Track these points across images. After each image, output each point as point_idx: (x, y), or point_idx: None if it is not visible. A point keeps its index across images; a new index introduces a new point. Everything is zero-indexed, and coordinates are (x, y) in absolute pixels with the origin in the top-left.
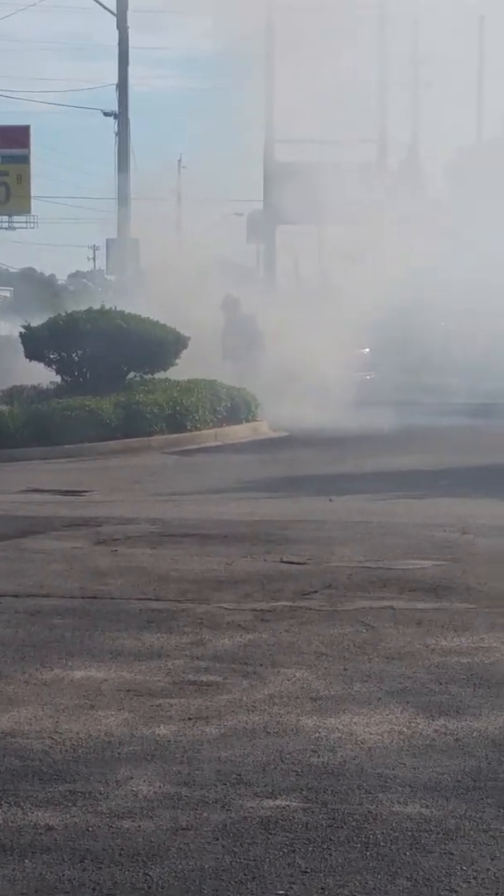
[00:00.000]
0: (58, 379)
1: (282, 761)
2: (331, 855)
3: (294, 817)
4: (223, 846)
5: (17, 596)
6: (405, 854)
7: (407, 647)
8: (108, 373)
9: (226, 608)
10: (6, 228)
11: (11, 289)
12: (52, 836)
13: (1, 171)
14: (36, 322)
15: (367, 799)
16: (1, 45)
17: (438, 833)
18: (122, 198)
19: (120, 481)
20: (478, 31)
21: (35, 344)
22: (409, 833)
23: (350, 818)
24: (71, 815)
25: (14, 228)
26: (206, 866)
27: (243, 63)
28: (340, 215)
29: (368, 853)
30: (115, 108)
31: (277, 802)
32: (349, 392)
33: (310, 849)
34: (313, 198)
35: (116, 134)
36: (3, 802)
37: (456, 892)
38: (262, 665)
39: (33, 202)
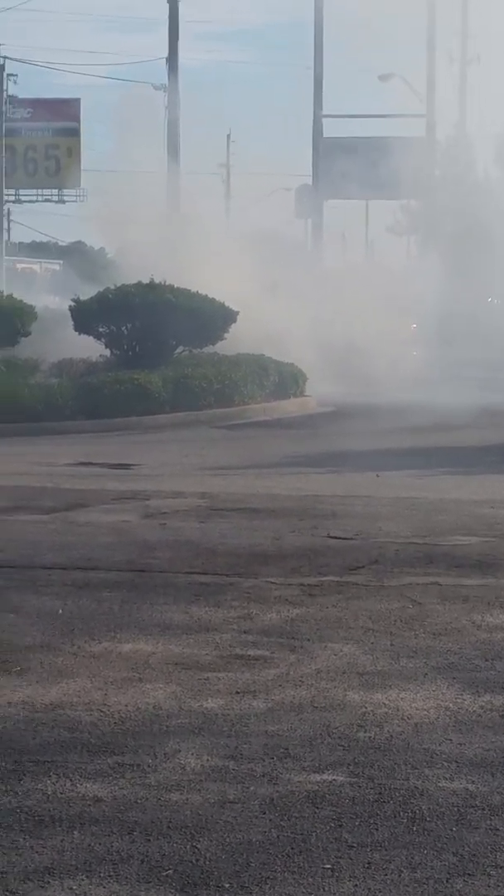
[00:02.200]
0: (107, 352)
1: (328, 736)
2: (377, 830)
3: (341, 792)
4: (270, 820)
5: (65, 569)
6: (451, 829)
7: (453, 623)
8: (156, 346)
9: (273, 582)
10: (56, 202)
11: (61, 262)
12: (100, 807)
13: (51, 144)
14: (85, 296)
15: (413, 774)
16: (49, 17)
17: (484, 809)
18: (172, 171)
19: (168, 455)
20: None
21: (84, 317)
22: (455, 808)
23: (396, 793)
24: (119, 788)
25: (64, 202)
26: (254, 840)
27: (292, 37)
28: (389, 190)
29: (414, 828)
30: (164, 81)
31: (324, 777)
32: (397, 367)
33: (356, 823)
34: (362, 172)
35: (166, 108)
36: (52, 774)
37: (501, 867)
38: (308, 640)
39: (83, 175)
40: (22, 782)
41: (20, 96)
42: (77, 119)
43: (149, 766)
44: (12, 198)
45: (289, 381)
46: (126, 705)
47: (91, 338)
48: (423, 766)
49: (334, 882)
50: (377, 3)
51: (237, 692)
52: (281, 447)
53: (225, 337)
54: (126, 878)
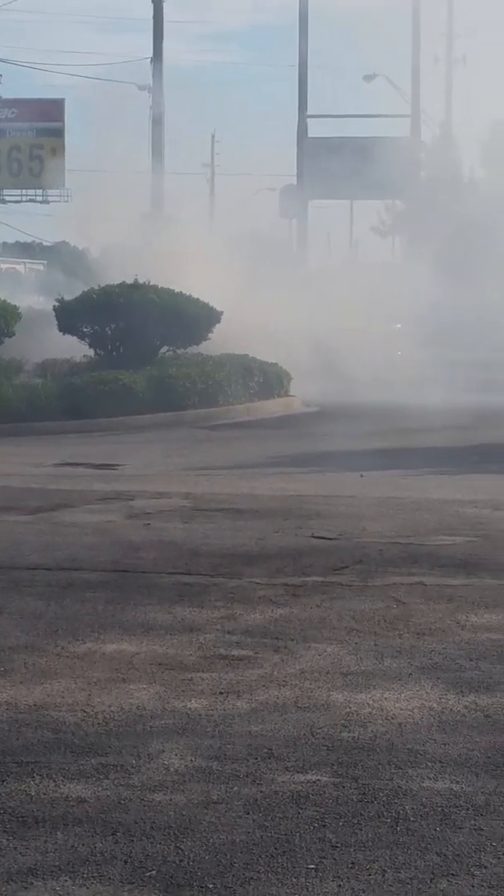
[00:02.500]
0: (91, 352)
1: (312, 736)
2: (361, 830)
3: (324, 792)
4: (254, 820)
5: (49, 569)
6: (435, 829)
7: (437, 623)
8: (140, 347)
9: (257, 583)
10: (40, 202)
11: (45, 262)
12: (83, 808)
13: (35, 144)
14: (69, 296)
15: (397, 774)
16: (34, 18)
17: (468, 809)
18: (157, 171)
19: (152, 455)
20: None
21: (68, 317)
22: (439, 809)
23: (380, 793)
24: (103, 788)
25: (48, 202)
26: (237, 840)
27: (278, 38)
28: (374, 190)
29: (398, 828)
30: (149, 82)
31: (308, 777)
32: (381, 367)
33: (340, 823)
34: (347, 172)
35: (150, 108)
36: (35, 774)
37: (485, 867)
38: (292, 640)
39: (67, 175)
40: (5, 783)
41: (4, 96)
42: (61, 119)
43: (132, 767)
44: None
45: (273, 381)
46: (110, 706)
47: (75, 338)
48: (407, 767)
49: (318, 882)
50: (362, 3)
51: (221, 692)
52: (265, 447)
53: (209, 337)
54: (109, 878)
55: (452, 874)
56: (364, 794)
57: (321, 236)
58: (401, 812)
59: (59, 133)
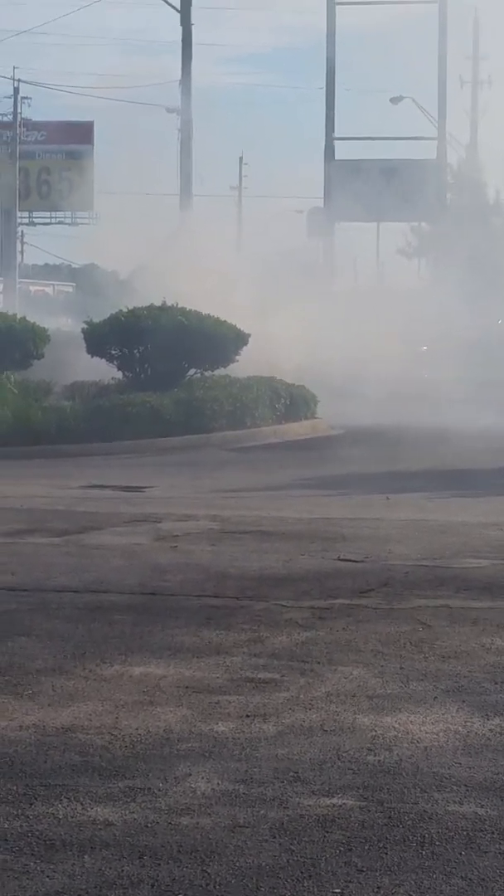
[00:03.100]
0: (119, 375)
1: (338, 759)
2: (386, 854)
3: (350, 816)
4: (280, 844)
5: (77, 591)
6: (460, 854)
7: (463, 647)
8: (168, 369)
9: (284, 605)
10: (69, 224)
11: (73, 284)
12: (111, 831)
13: (64, 166)
14: (98, 318)
15: (422, 798)
16: (65, 41)
17: (494, 833)
18: (185, 193)
19: (180, 477)
20: None
21: (97, 340)
22: (465, 832)
23: (406, 817)
24: (130, 811)
25: (77, 224)
26: (264, 864)
27: (305, 60)
28: (400, 213)
29: (424, 852)
30: (178, 104)
31: (334, 801)
32: (408, 390)
33: (366, 847)
34: (373, 195)
35: (179, 130)
36: (63, 798)
37: None
38: (319, 663)
39: (96, 197)
40: (33, 806)
41: (34, 119)
42: (90, 141)
43: (159, 790)
44: (26, 220)
45: (300, 403)
46: (137, 729)
47: (103, 360)
48: (433, 790)
49: None
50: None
51: (247, 715)
52: (292, 470)
53: (236, 359)
54: None
55: None
56: (390, 817)
57: (348, 258)
58: (426, 836)
59: (88, 155)
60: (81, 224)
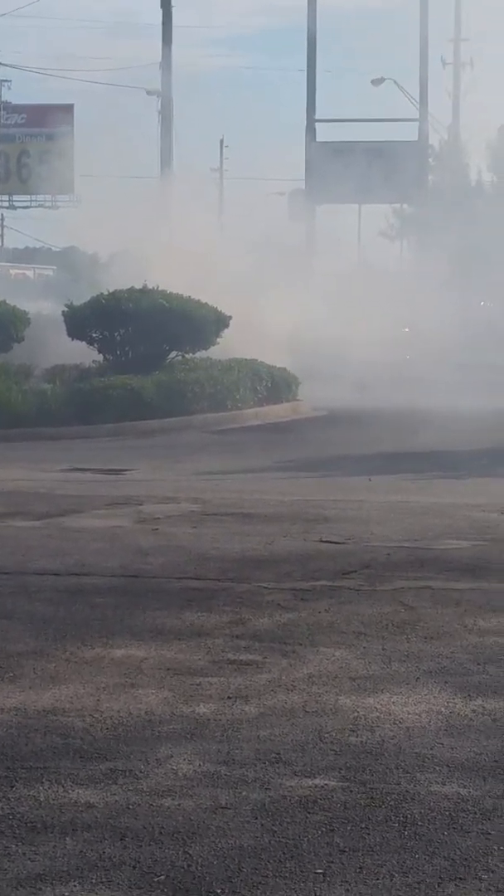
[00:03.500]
0: (100, 358)
1: (320, 740)
2: (369, 834)
3: (332, 796)
4: (262, 825)
5: (58, 574)
6: (443, 834)
7: (445, 628)
8: (149, 352)
9: (265, 587)
10: (49, 207)
11: (54, 268)
12: (92, 813)
13: (44, 150)
14: (78, 301)
15: (405, 779)
16: (42, 23)
17: (476, 813)
18: (165, 176)
19: (161, 460)
20: None
21: (77, 323)
22: (447, 813)
23: (388, 798)
24: (111, 794)
25: (57, 207)
26: (245, 845)
27: (286, 42)
28: (382, 194)
29: (406, 833)
30: (158, 86)
31: (316, 781)
32: (389, 371)
33: (348, 828)
34: (355, 177)
35: (159, 112)
36: (44, 780)
37: (493, 871)
38: (301, 644)
39: (76, 180)
40: (14, 789)
41: (13, 102)
42: (70, 124)
43: (141, 772)
44: (6, 203)
45: (281, 385)
46: (118, 711)
47: (84, 343)
48: (415, 771)
49: (326, 887)
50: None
51: (229, 697)
52: (273, 452)
53: (218, 342)
54: (118, 884)
55: (460, 878)
56: (372, 798)
57: (329, 240)
58: (409, 816)
59: (68, 138)
60: (62, 207)
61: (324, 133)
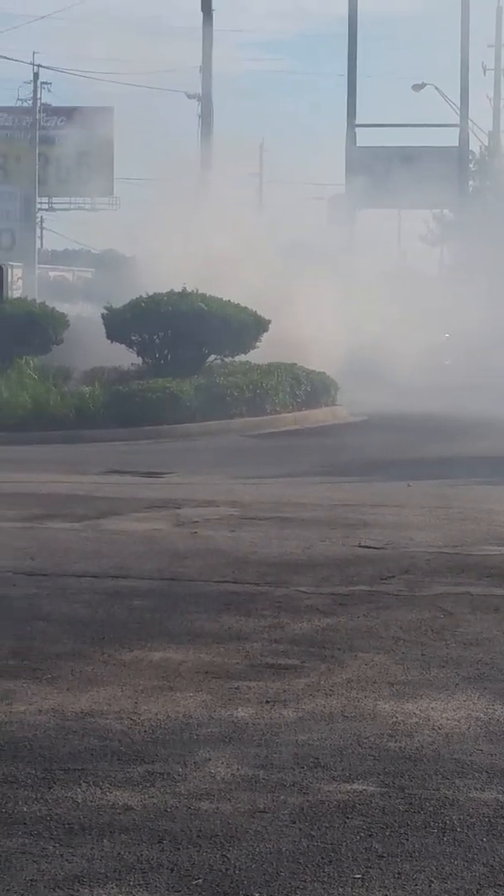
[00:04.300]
0: (139, 360)
1: (359, 745)
2: (407, 840)
3: (371, 802)
4: (300, 829)
5: (96, 577)
6: (482, 840)
7: (485, 633)
8: (188, 355)
9: (304, 592)
10: (88, 209)
11: (93, 270)
12: (130, 816)
13: (84, 152)
14: (117, 304)
15: (443, 784)
16: (85, 26)
17: None
18: (204, 180)
19: (200, 463)
20: None
21: (117, 325)
22: (486, 819)
23: (427, 803)
24: (149, 796)
25: (96, 210)
26: (283, 849)
27: (327, 47)
28: (422, 200)
29: (445, 839)
30: (198, 90)
31: (354, 786)
32: (429, 377)
33: (386, 833)
34: (395, 182)
35: (199, 116)
36: (82, 782)
37: None
38: (339, 649)
39: (115, 183)
40: (52, 790)
41: (54, 104)
42: (110, 127)
43: (179, 775)
44: (45, 205)
45: (320, 390)
46: (156, 714)
47: (123, 346)
48: (454, 777)
49: (364, 892)
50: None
51: (267, 701)
52: (312, 456)
53: (257, 346)
54: (156, 886)
55: (499, 885)
56: (411, 804)
57: (369, 245)
58: (447, 822)
59: (107, 141)
60: (101, 210)
61: (364, 138)
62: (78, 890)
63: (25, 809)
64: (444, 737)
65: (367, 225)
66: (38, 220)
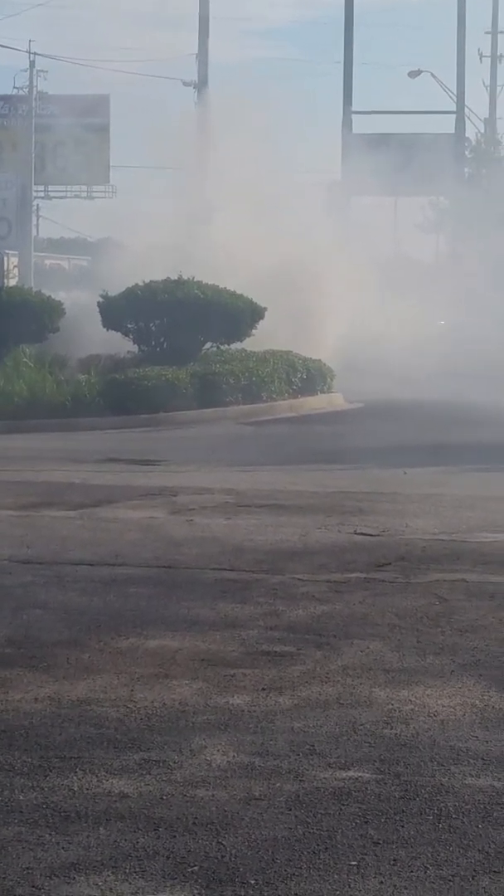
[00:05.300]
0: (135, 348)
1: (355, 732)
2: (403, 826)
3: (367, 788)
4: (296, 816)
5: (92, 565)
6: (477, 827)
7: (480, 620)
8: (184, 343)
9: (300, 579)
10: (85, 198)
11: (89, 258)
12: (126, 803)
13: (80, 140)
14: (113, 292)
15: (439, 771)
16: (78, 14)
17: None
18: (201, 166)
19: (195, 451)
20: None
21: (112, 313)
22: (482, 806)
23: (422, 790)
24: (145, 784)
25: (93, 198)
26: (279, 836)
27: (323, 34)
28: (418, 187)
29: (440, 825)
30: (194, 77)
31: (350, 773)
32: (424, 364)
33: (382, 820)
34: (391, 169)
35: (195, 104)
36: (78, 769)
37: None
38: (335, 636)
39: (112, 171)
40: (48, 778)
41: (50, 92)
42: (106, 115)
43: (175, 763)
44: (42, 193)
45: (316, 377)
46: (152, 701)
47: (119, 334)
48: (450, 763)
49: (360, 879)
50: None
51: (263, 689)
52: (308, 444)
53: (253, 333)
54: (152, 874)
55: (495, 871)
56: (406, 790)
57: (365, 232)
58: (443, 809)
59: (104, 129)
60: (97, 198)
61: (360, 125)
62: (74, 877)
63: (21, 797)
64: (440, 724)
65: (362, 212)
66: (35, 208)
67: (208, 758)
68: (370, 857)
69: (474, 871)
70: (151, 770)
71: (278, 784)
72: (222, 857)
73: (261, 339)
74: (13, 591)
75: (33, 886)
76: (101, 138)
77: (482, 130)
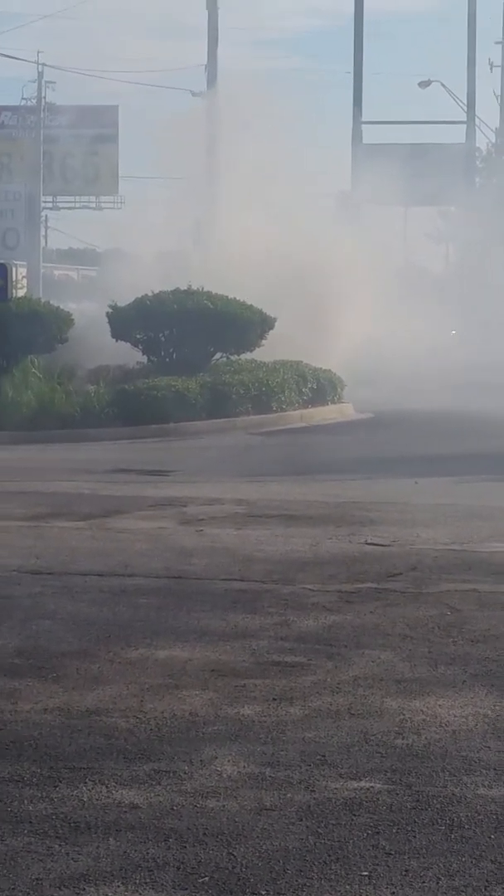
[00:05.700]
0: (144, 359)
1: (366, 743)
2: (415, 837)
3: (378, 799)
4: (307, 827)
5: (102, 575)
6: (489, 837)
7: (492, 631)
8: (194, 353)
9: (310, 589)
10: (93, 208)
11: (97, 268)
12: (136, 814)
13: (89, 151)
14: (122, 302)
15: (451, 781)
16: (90, 24)
17: None
18: (210, 177)
19: (205, 462)
20: None
21: (122, 324)
22: (494, 816)
23: (434, 800)
24: (155, 794)
25: (101, 208)
26: (290, 847)
27: (333, 44)
28: (428, 197)
29: (452, 836)
30: (203, 88)
31: (361, 784)
32: (435, 374)
33: (394, 830)
34: (401, 179)
35: (204, 111)
36: (88, 780)
37: None
38: (346, 646)
39: (120, 181)
40: (58, 789)
41: (58, 103)
42: (115, 126)
43: (185, 773)
44: (50, 204)
45: (327, 387)
46: (162, 712)
47: (128, 344)
48: (462, 774)
49: (371, 889)
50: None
51: (274, 699)
52: (318, 454)
53: (263, 343)
54: (162, 884)
55: None
56: (418, 801)
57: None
58: (455, 819)
59: (112, 140)
60: (107, 208)
61: (370, 135)
62: (84, 888)
63: (31, 808)
64: (452, 734)
65: (372, 222)
66: (43, 218)
67: (219, 768)
68: (382, 868)
69: (487, 881)
70: (161, 781)
71: (289, 794)
72: (233, 867)
73: (270, 348)
74: (22, 601)
75: None
76: (110, 149)
77: (492, 140)
